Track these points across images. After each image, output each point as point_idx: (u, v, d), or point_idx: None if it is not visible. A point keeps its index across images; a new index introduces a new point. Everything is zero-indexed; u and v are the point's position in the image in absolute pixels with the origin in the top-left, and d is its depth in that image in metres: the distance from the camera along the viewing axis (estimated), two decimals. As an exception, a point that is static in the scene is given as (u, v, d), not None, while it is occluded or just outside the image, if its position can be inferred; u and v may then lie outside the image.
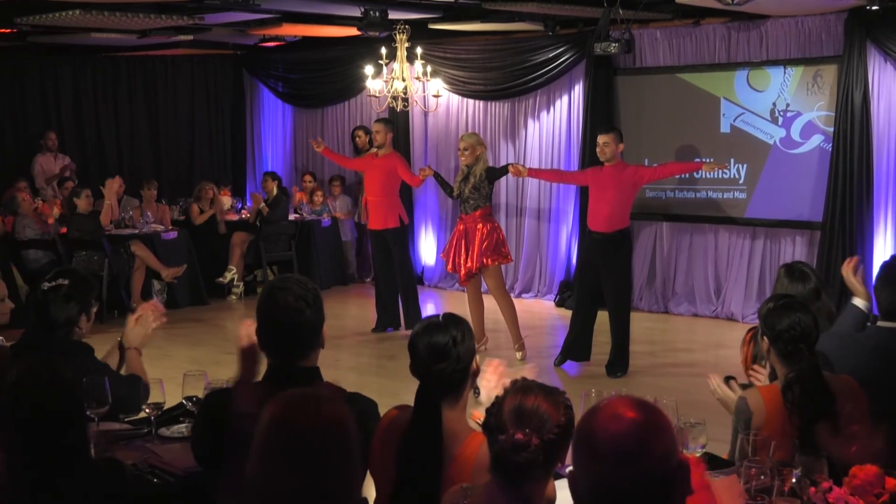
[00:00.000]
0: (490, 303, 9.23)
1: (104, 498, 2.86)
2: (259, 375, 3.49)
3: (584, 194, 10.56)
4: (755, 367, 4.12)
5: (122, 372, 4.31)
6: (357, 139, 12.88)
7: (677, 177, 10.83)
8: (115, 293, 10.86)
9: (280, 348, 3.31)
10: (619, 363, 8.52)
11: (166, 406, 4.03)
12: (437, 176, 9.60)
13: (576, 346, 8.71)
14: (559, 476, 2.71)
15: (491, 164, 10.93)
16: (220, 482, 2.97)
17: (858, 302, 4.66)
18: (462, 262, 8.96)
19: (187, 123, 14.85)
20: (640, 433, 2.03)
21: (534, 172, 9.58)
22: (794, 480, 2.97)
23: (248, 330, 3.53)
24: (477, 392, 3.38)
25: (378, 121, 10.18)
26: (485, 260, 8.87)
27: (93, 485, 2.84)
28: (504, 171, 9.22)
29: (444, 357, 3.08)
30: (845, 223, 9.74)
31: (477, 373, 3.22)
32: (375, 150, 10.20)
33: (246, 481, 2.33)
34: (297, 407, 2.37)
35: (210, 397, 3.53)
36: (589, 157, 11.18)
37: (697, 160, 10.26)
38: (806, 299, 4.30)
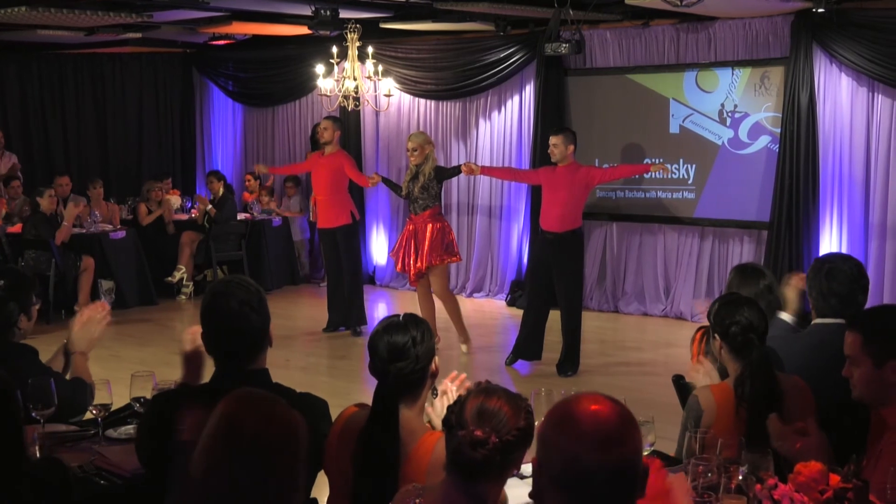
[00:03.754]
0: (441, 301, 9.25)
1: (46, 500, 2.80)
2: (204, 378, 3.46)
3: (535, 193, 10.62)
4: (700, 357, 4.15)
5: (68, 376, 4.23)
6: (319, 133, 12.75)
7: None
8: (63, 294, 10.74)
9: (228, 353, 3.28)
10: (569, 362, 8.56)
11: (114, 407, 3.98)
12: (385, 181, 9.70)
13: (527, 345, 8.73)
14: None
15: (442, 163, 10.97)
16: (167, 486, 2.94)
17: (786, 316, 4.72)
18: (412, 262, 8.97)
19: (135, 122, 14.69)
20: (622, 421, 2.12)
21: (487, 170, 9.59)
22: (740, 478, 3.00)
23: (193, 335, 3.52)
24: (435, 393, 3.39)
25: (326, 118, 10.13)
26: (433, 259, 8.88)
27: (33, 487, 2.78)
28: (456, 171, 9.23)
29: (403, 356, 3.09)
30: (792, 223, 9.87)
31: (436, 374, 3.23)
32: (321, 149, 10.13)
33: (189, 476, 2.31)
34: (251, 407, 2.35)
35: (156, 400, 3.49)
36: (540, 156, 11.22)
37: (646, 161, 10.35)
38: (758, 296, 4.36)
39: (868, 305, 4.26)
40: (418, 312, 8.84)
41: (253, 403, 2.36)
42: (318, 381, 8.15)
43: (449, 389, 3.48)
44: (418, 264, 8.92)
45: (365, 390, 7.48)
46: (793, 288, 4.81)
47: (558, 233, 8.39)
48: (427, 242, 8.89)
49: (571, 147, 8.44)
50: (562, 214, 8.37)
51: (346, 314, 10.19)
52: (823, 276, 4.27)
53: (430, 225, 8.92)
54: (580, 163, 8.76)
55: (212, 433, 2.30)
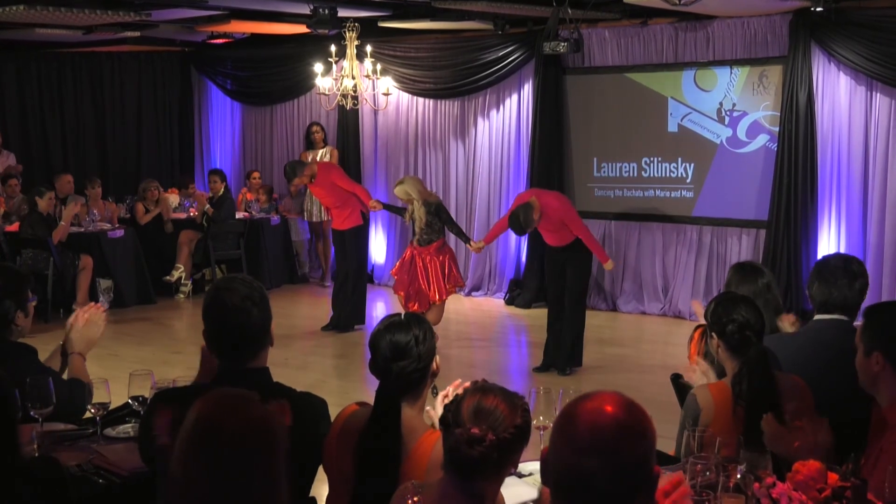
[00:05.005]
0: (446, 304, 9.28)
1: (41, 499, 2.79)
2: None
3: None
4: (696, 358, 4.16)
5: (65, 377, 4.21)
6: (314, 135, 12.76)
7: (625, 175, 10.98)
8: (61, 293, 10.73)
9: (229, 350, 3.27)
10: (571, 359, 8.53)
11: (112, 406, 3.97)
12: (387, 207, 9.89)
13: (556, 355, 8.58)
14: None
15: (441, 163, 10.95)
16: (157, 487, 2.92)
17: None
18: (415, 293, 9.01)
19: (134, 121, 14.67)
20: (619, 433, 2.05)
21: (489, 237, 9.44)
22: (738, 476, 3.00)
23: None
24: (435, 392, 3.40)
25: (309, 164, 10.25)
26: (443, 294, 9.01)
27: (28, 486, 2.76)
28: (464, 239, 9.38)
29: (405, 355, 3.09)
30: (790, 222, 9.87)
31: (437, 373, 3.23)
32: (309, 177, 10.08)
33: (168, 479, 2.30)
34: (225, 407, 2.33)
35: (158, 398, 3.49)
36: (538, 155, 11.27)
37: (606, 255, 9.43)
38: (757, 294, 4.37)
39: (867, 303, 4.28)
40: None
41: (227, 403, 2.34)
42: (317, 381, 8.14)
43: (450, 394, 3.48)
44: (431, 300, 8.97)
45: (365, 389, 7.48)
46: (789, 326, 4.81)
47: (562, 245, 8.37)
48: (435, 278, 9.01)
49: (537, 214, 8.15)
50: (558, 237, 8.36)
51: (346, 313, 10.19)
52: (817, 271, 4.33)
53: (438, 259, 9.03)
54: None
55: (188, 435, 2.29)
